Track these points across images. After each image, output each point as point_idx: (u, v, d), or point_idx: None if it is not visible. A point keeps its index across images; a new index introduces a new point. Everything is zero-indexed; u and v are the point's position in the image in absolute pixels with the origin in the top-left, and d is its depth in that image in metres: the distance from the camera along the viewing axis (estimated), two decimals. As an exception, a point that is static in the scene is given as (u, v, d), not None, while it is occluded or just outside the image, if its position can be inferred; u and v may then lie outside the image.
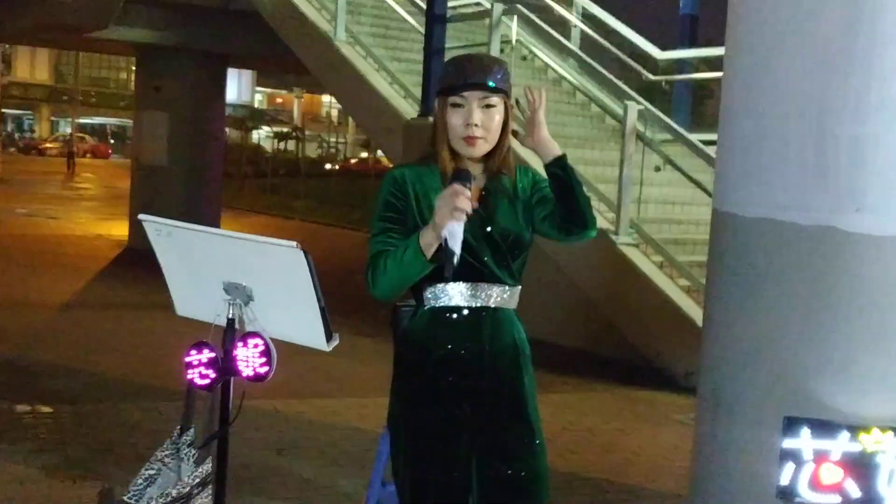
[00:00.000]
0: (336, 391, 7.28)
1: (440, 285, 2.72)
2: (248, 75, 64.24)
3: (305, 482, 5.19)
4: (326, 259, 17.34)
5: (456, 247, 2.52)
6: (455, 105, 2.73)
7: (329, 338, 2.60)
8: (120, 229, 17.90)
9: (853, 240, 3.46)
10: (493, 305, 2.76)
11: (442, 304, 2.74)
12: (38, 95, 67.68)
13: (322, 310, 2.56)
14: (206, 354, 2.53)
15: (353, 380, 7.65)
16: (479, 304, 2.75)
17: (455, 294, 2.73)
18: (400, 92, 11.31)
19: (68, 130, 64.14)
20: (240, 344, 2.56)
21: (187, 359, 2.52)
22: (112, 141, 69.17)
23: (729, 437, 3.82)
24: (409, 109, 10.95)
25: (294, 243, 2.45)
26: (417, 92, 10.87)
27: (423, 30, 11.00)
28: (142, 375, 7.37)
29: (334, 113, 62.45)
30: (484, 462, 2.74)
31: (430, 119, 2.93)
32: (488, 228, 2.75)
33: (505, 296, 2.79)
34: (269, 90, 76.03)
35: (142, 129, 17.04)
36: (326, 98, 59.99)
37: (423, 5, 11.07)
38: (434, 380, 2.73)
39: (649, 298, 8.48)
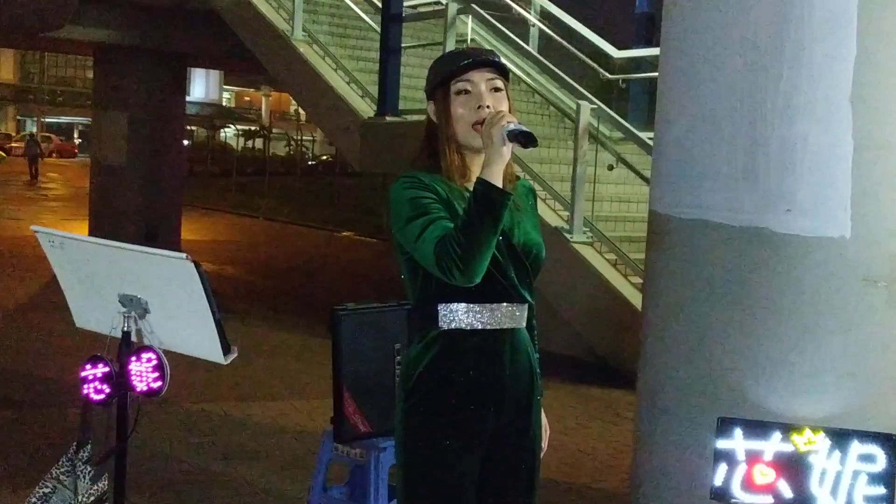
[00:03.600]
0: (288, 394, 7.24)
1: (454, 305, 2.53)
2: (215, 73, 63.85)
3: (249, 487, 5.15)
4: (287, 258, 17.27)
5: (519, 126, 2.37)
6: (460, 92, 2.54)
7: (227, 351, 2.52)
8: (82, 229, 17.74)
9: (783, 241, 3.47)
10: (510, 326, 2.60)
11: (457, 327, 2.54)
12: (3, 95, 66.93)
13: (217, 322, 2.47)
14: (101, 369, 2.47)
15: (306, 382, 7.62)
16: (496, 326, 2.57)
17: (471, 316, 2.54)
18: (357, 91, 11.28)
19: (35, 130, 63.39)
20: (133, 358, 2.50)
21: (82, 373, 2.47)
22: (79, 140, 68.48)
23: (666, 436, 3.83)
24: (367, 108, 10.92)
25: (184, 255, 2.37)
26: (375, 91, 10.84)
27: (379, 29, 10.98)
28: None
29: (303, 111, 62.27)
30: (490, 495, 2.64)
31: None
32: (511, 242, 2.57)
33: (520, 315, 2.62)
34: (236, 88, 75.57)
35: (100, 129, 16.89)
36: (294, 96, 59.66)
37: (379, 4, 11.04)
38: (455, 410, 2.55)
39: (603, 296, 8.50)
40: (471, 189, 2.51)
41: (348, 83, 11.39)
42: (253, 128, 56.22)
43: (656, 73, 13.18)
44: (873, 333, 3.47)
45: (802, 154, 3.43)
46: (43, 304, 10.84)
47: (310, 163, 45.17)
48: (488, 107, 2.51)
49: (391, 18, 10.68)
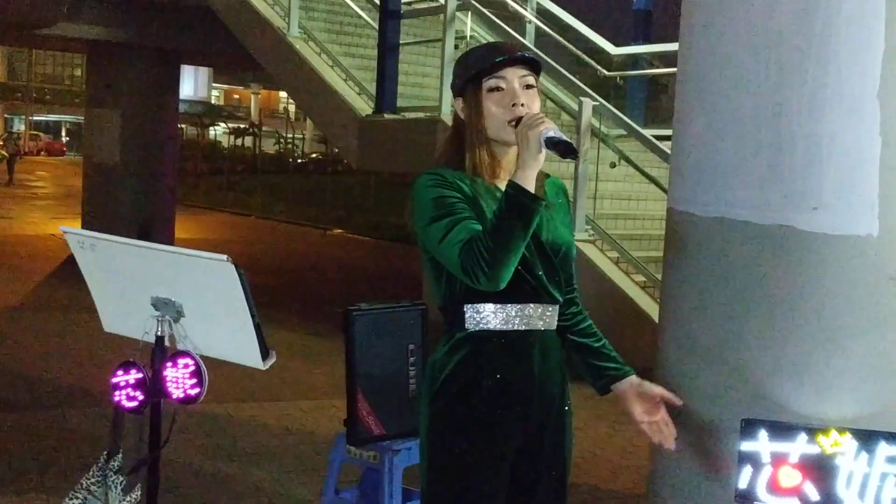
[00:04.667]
0: (290, 394, 7.17)
1: (481, 306, 2.46)
2: (204, 71, 63.70)
3: (259, 490, 5.08)
4: (281, 256, 17.18)
5: (558, 134, 2.28)
6: (492, 90, 2.47)
7: (265, 356, 2.43)
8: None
9: (809, 239, 3.41)
10: (540, 327, 2.53)
11: (484, 328, 2.48)
12: (-9, 92, 66.67)
13: (257, 326, 2.38)
14: (134, 375, 2.38)
15: (308, 382, 7.56)
16: (525, 327, 2.50)
17: (499, 317, 2.47)
18: (354, 88, 11.20)
19: (23, 128, 63.15)
20: (169, 364, 2.41)
21: (114, 380, 2.38)
22: (67, 138, 68.31)
23: (686, 439, 3.77)
24: (364, 106, 10.83)
25: (224, 256, 2.27)
26: (372, 88, 10.76)
27: (377, 25, 10.90)
28: (92, 381, 7.20)
29: (292, 109, 62.16)
30: (520, 499, 2.58)
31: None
32: (540, 240, 2.50)
33: (550, 316, 2.56)
34: (226, 86, 75.46)
35: (93, 127, 16.78)
36: (284, 94, 59.57)
37: (377, 1, 10.95)
38: (483, 414, 2.48)
39: (605, 295, 8.44)
40: (501, 187, 2.46)
41: (345, 80, 11.30)
42: (242, 125, 56.12)
43: (654, 70, 13.12)
44: (901, 333, 3.41)
45: (829, 151, 3.37)
46: (35, 304, 10.78)
47: (299, 160, 45.10)
48: (523, 105, 2.44)
49: (389, 15, 10.60)
